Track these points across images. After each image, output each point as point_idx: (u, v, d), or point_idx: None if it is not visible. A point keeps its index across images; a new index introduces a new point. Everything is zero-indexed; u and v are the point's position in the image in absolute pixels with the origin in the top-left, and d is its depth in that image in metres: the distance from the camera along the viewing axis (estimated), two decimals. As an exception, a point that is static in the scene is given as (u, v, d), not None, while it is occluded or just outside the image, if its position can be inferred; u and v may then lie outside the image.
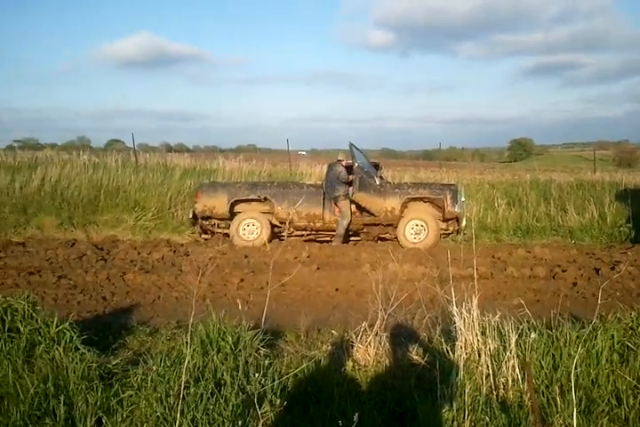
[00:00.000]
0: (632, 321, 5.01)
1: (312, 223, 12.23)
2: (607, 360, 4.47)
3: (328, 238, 12.48)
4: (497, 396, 4.03)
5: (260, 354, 4.81)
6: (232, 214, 12.32)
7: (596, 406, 3.99)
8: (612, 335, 4.71)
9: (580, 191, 15.10)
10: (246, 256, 10.18)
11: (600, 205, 13.67)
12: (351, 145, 12.07)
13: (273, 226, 12.33)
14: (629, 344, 4.64)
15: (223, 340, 4.72)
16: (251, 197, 12.40)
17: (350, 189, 11.96)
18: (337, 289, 7.87)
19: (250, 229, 12.17)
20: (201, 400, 3.77)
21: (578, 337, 4.67)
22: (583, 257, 9.93)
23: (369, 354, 4.69)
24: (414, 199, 12.14)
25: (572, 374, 3.93)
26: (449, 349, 4.50)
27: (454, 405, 3.81)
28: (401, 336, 5.25)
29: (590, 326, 4.91)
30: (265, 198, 12.33)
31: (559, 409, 3.90)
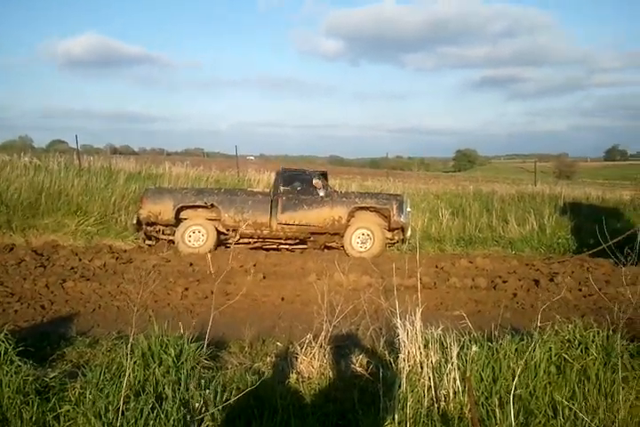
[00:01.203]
0: (569, 333, 5.18)
1: (259, 231, 12.17)
2: (545, 372, 4.60)
3: (275, 246, 12.45)
4: (438, 408, 4.09)
5: (202, 367, 4.75)
6: (177, 221, 12.14)
7: (534, 418, 4.09)
8: (550, 348, 4.86)
9: (521, 203, 15.53)
10: (191, 264, 10.04)
11: (540, 217, 14.07)
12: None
13: (219, 233, 12.21)
14: (566, 356, 4.79)
15: (165, 352, 4.65)
16: (197, 204, 12.24)
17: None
18: (283, 299, 7.84)
19: (195, 236, 12.02)
20: (141, 415, 3.70)
21: (517, 349, 4.79)
22: (523, 268, 10.19)
23: (313, 366, 4.70)
24: (361, 208, 12.24)
25: (512, 386, 4.04)
26: (392, 361, 4.55)
27: (396, 417, 3.85)
28: (345, 348, 5.27)
29: (529, 338, 5.05)
30: (212, 205, 12.21)
31: (498, 421, 3.98)
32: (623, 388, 4.47)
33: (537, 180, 22.32)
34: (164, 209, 12.08)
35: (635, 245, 8.38)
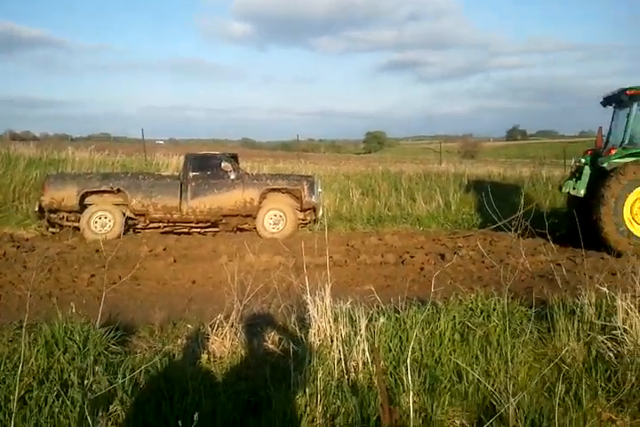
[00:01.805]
0: (471, 302, 5.42)
1: (169, 215, 11.98)
2: (450, 340, 4.79)
3: (186, 230, 12.28)
4: (348, 379, 4.17)
5: (111, 352, 4.64)
6: (82, 207, 11.75)
7: (439, 384, 4.24)
8: (454, 316, 5.07)
9: (428, 182, 16.00)
10: (98, 250, 9.72)
11: (445, 195, 14.57)
12: None
13: (127, 218, 11.90)
14: (469, 324, 5.00)
15: (70, 339, 4.51)
16: (103, 189, 11.90)
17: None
18: (194, 282, 7.76)
19: (102, 221, 11.67)
20: (45, 403, 3.58)
21: (423, 320, 4.96)
22: (430, 243, 10.53)
23: (224, 346, 4.68)
24: (273, 190, 12.26)
25: (419, 355, 4.18)
26: (303, 336, 4.60)
27: (307, 390, 3.90)
28: (257, 326, 5.27)
29: (435, 308, 5.24)
30: (118, 190, 11.88)
31: (405, 388, 4.11)
32: (522, 351, 4.71)
33: (443, 159, 23.01)
34: (67, 195, 11.66)
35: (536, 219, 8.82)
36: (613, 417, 3.64)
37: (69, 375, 3.99)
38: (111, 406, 3.68)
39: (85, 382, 3.87)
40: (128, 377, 4.02)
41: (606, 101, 11.15)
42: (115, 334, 4.90)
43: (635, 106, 10.16)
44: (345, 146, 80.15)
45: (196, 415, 2.93)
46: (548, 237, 7.87)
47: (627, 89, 10.16)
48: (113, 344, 4.77)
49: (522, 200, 9.01)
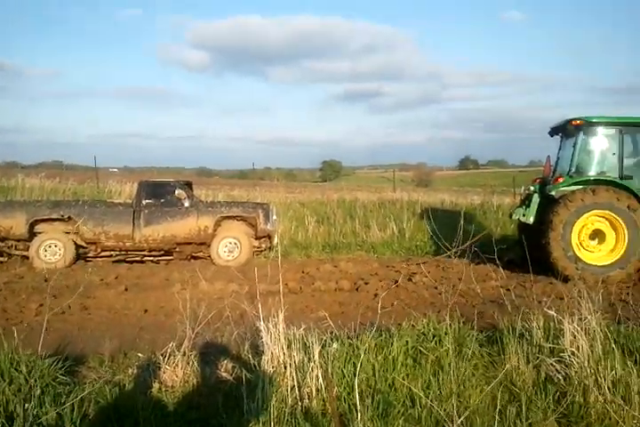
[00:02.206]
0: (424, 327, 5.48)
1: (121, 243, 11.78)
2: (402, 365, 4.82)
3: (139, 259, 12.09)
4: (302, 406, 4.15)
5: (59, 383, 4.52)
6: (31, 235, 11.47)
7: (393, 409, 4.26)
8: (407, 341, 5.12)
9: (382, 209, 16.20)
10: (47, 279, 9.47)
11: (399, 222, 14.75)
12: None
13: (78, 247, 11.67)
14: (421, 349, 5.05)
15: (16, 370, 4.38)
16: (53, 217, 11.65)
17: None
18: (146, 311, 7.62)
19: (52, 250, 11.41)
20: (-12, 437, 3.46)
21: (376, 345, 5.00)
22: (384, 270, 10.61)
23: (176, 375, 4.61)
24: (227, 218, 12.21)
25: (372, 381, 4.19)
26: (257, 363, 4.57)
27: (260, 418, 3.87)
28: (210, 355, 5.22)
29: (387, 334, 5.29)
30: (69, 218, 11.65)
31: (359, 414, 4.11)
32: (474, 374, 4.78)
33: (397, 188, 23.35)
34: (15, 223, 11.39)
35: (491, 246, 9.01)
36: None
37: (15, 407, 3.87)
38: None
39: (32, 413, 3.75)
40: (76, 408, 3.92)
41: (553, 131, 11.55)
42: (63, 364, 4.78)
43: (580, 135, 10.52)
44: (301, 174, 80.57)
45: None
46: (498, 262, 8.06)
47: (572, 119, 10.54)
48: (61, 375, 4.65)
49: (474, 228, 9.14)
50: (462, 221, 9.53)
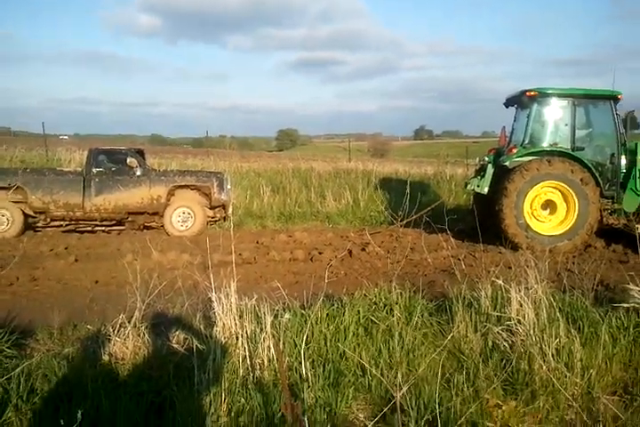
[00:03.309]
0: (375, 296, 5.55)
1: (71, 213, 11.54)
2: (354, 334, 4.88)
3: (90, 229, 11.87)
4: (254, 377, 4.17)
5: (5, 356, 4.43)
6: (-24, 204, 11.12)
7: (343, 378, 4.32)
8: (359, 311, 5.17)
9: (338, 179, 16.21)
10: (-6, 250, 9.28)
11: (354, 192, 14.79)
12: None
13: (26, 216, 11.38)
14: (373, 318, 5.12)
15: (-43, 344, 4.27)
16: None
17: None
18: (96, 281, 7.51)
19: (-1, 220, 11.09)
20: None
21: (328, 315, 5.04)
22: (338, 240, 10.67)
23: (127, 347, 4.56)
24: (181, 187, 12.05)
25: (324, 350, 4.24)
26: (208, 334, 4.55)
27: (211, 389, 3.87)
28: (162, 326, 5.17)
29: (340, 303, 5.33)
30: (16, 186, 11.32)
31: (310, 384, 4.15)
32: (423, 343, 4.87)
33: (353, 158, 23.36)
34: (-41, 191, 11.02)
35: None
36: (499, 402, 3.82)
37: (-43, 382, 3.78)
38: (4, 414, 3.51)
39: (-25, 388, 3.68)
40: (23, 382, 3.86)
41: (508, 102, 11.67)
42: (9, 337, 4.68)
43: (534, 106, 10.66)
44: (257, 143, 79.86)
45: (79, 414, 2.84)
46: (448, 232, 8.18)
47: (527, 90, 10.66)
48: (7, 348, 4.55)
49: (428, 197, 9.24)
50: (409, 190, 9.63)
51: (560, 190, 10.26)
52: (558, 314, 5.01)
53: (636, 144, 10.45)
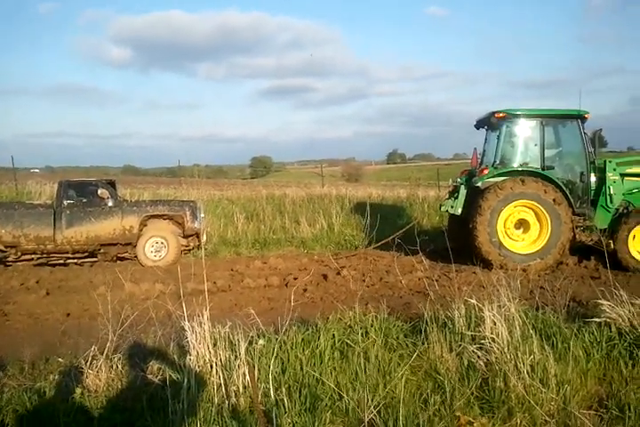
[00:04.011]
0: (350, 320, 5.54)
1: (42, 246, 11.38)
2: (330, 358, 4.87)
3: (62, 261, 11.70)
4: (229, 404, 4.13)
5: (-27, 393, 4.34)
6: (-55, 240, 10.92)
7: (320, 402, 4.29)
8: (334, 335, 5.16)
9: (311, 204, 16.25)
10: (-38, 286, 9.11)
11: (328, 217, 14.84)
12: None
13: (-4, 251, 11.20)
14: (348, 341, 5.11)
15: None
16: (-33, 220, 11.13)
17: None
18: (68, 314, 7.41)
19: (-32, 255, 10.90)
20: None
21: (303, 339, 5.02)
22: (313, 265, 10.66)
23: (99, 379, 4.50)
24: (153, 217, 11.97)
25: (300, 375, 4.21)
26: (182, 364, 4.51)
27: (187, 419, 3.83)
28: (135, 357, 5.10)
29: (314, 328, 5.32)
30: (-15, 221, 11.16)
31: (287, 409, 4.12)
32: (399, 364, 4.86)
33: (326, 183, 23.48)
34: None
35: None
36: (471, 420, 3.82)
37: None
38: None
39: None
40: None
41: (479, 124, 11.89)
42: (-22, 373, 4.59)
43: (504, 127, 10.87)
44: (232, 171, 79.86)
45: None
46: (422, 254, 8.24)
47: (495, 112, 10.86)
48: (-24, 385, 4.46)
49: (401, 220, 9.30)
50: (382, 213, 9.68)
51: (533, 210, 10.41)
52: (531, 331, 5.06)
53: (605, 162, 10.68)
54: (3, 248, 11.30)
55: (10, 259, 11.45)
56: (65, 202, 11.57)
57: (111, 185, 12.38)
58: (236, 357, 4.42)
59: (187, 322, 4.67)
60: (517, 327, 5.04)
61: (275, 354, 4.64)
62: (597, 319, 5.54)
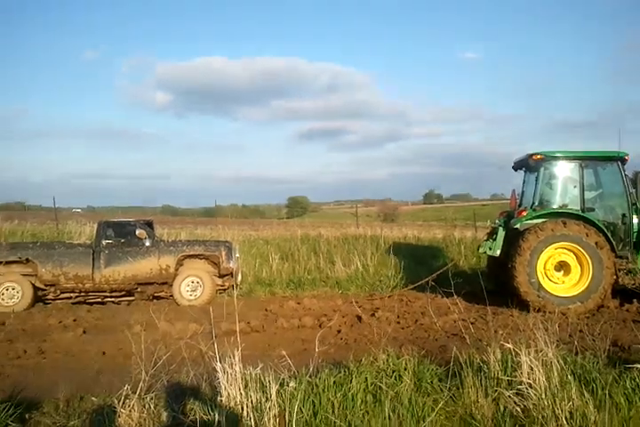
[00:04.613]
0: (383, 363, 5.47)
1: (81, 285, 11.59)
2: (362, 401, 4.79)
3: (99, 300, 11.88)
4: (259, 447, 4.09)
5: (8, 430, 4.38)
6: (-12, 278, 11.21)
7: (352, 447, 4.22)
8: (366, 378, 5.09)
9: (346, 245, 16.22)
10: (3, 323, 9.31)
11: (363, 257, 14.78)
12: None
13: (36, 289, 11.44)
14: (381, 385, 5.03)
15: (-38, 418, 4.23)
16: (10, 259, 11.46)
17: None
18: (104, 353, 7.47)
19: (9, 293, 11.18)
20: None
21: (335, 382, 4.97)
22: (347, 306, 10.58)
23: (132, 419, 4.50)
24: (189, 256, 12.12)
25: (332, 418, 4.15)
26: (214, 405, 4.50)
27: (217, 462, 3.79)
28: (168, 397, 5.11)
29: (347, 370, 5.26)
30: (27, 260, 11.47)
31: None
32: (433, 409, 4.77)
33: (363, 223, 23.51)
34: (-28, 267, 11.14)
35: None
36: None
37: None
38: None
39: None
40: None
41: (516, 166, 11.83)
42: (15, 410, 4.64)
43: (542, 170, 10.78)
44: (269, 210, 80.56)
45: None
46: (458, 296, 8.14)
47: (533, 154, 10.79)
48: (11, 422, 4.51)
49: (437, 261, 9.23)
50: (418, 254, 9.60)
51: (574, 252, 10.20)
52: (570, 377, 4.92)
53: None
54: (43, 286, 11.54)
55: (49, 297, 11.69)
56: (103, 242, 11.81)
57: (149, 225, 12.61)
58: (267, 399, 4.39)
59: (218, 363, 4.67)
60: (555, 373, 4.91)
61: (306, 397, 4.60)
62: (640, 365, 5.36)
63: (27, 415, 4.88)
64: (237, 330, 5.30)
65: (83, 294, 11.77)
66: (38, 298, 11.53)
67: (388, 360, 5.45)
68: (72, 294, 11.74)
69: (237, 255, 12.57)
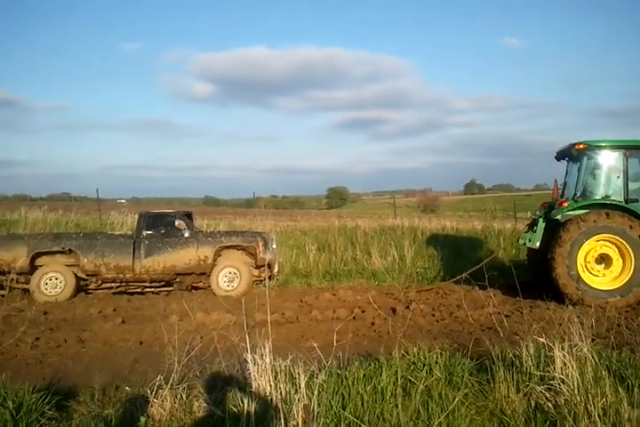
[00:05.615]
0: (414, 356, 5.46)
1: (121, 275, 11.82)
2: (392, 395, 4.79)
3: (139, 290, 12.12)
4: (288, 439, 4.13)
5: (47, 418, 4.53)
6: (33, 268, 11.54)
7: (381, 440, 4.23)
8: (396, 371, 5.08)
9: (383, 236, 16.16)
10: (46, 313, 9.57)
11: (400, 249, 14.70)
12: None
13: (79, 279, 11.72)
14: (411, 378, 5.02)
15: (2, 405, 4.38)
16: (54, 250, 11.74)
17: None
18: (141, 343, 7.62)
19: (53, 283, 11.46)
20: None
21: (365, 375, 4.98)
22: (382, 298, 10.56)
23: (164, 408, 4.60)
24: (227, 247, 12.23)
25: (360, 411, 4.16)
26: (243, 396, 4.55)
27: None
28: (199, 387, 5.19)
29: (377, 363, 5.26)
30: (70, 250, 11.74)
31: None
32: (464, 403, 4.74)
33: (403, 214, 23.37)
34: (16, 256, 11.47)
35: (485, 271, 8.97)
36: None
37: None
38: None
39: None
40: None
41: (559, 156, 11.54)
42: (52, 398, 4.79)
43: (585, 159, 10.50)
44: (308, 202, 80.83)
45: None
46: (494, 288, 8.04)
47: (575, 144, 10.51)
48: (49, 410, 4.65)
49: (476, 253, 9.12)
50: (456, 246, 9.50)
51: (616, 245, 9.95)
52: (604, 372, 4.82)
53: None
54: (85, 276, 11.81)
55: (91, 287, 11.96)
56: (144, 232, 12.01)
57: (188, 216, 12.78)
58: (296, 390, 4.43)
59: (249, 354, 4.73)
60: (589, 368, 4.82)
61: (336, 389, 4.62)
62: (679, 362, 5.23)
63: (64, 403, 5.02)
64: (269, 321, 5.33)
65: (123, 284, 12.01)
66: (80, 288, 11.79)
67: (419, 353, 5.44)
68: (113, 284, 11.98)
69: (274, 246, 12.64)
